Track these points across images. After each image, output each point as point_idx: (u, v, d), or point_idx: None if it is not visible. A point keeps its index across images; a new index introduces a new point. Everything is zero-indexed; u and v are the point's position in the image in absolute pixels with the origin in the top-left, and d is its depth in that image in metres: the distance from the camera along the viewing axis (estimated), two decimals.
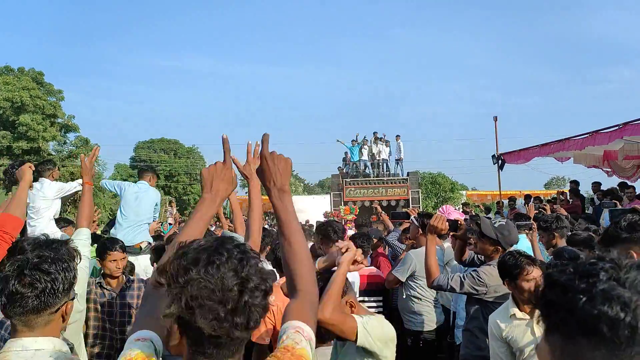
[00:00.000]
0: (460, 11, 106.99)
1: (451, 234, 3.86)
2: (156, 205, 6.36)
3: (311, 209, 23.53)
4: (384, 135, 24.01)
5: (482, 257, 3.80)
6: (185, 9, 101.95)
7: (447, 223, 3.69)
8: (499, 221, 3.61)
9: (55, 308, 1.74)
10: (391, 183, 23.47)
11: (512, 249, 3.92)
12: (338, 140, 23.79)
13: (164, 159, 50.88)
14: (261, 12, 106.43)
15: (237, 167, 2.46)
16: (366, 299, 4.64)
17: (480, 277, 3.43)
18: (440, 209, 4.84)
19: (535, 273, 2.99)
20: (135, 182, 6.48)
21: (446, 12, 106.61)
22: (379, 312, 4.73)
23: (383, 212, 7.78)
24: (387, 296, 4.93)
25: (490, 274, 3.41)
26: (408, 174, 23.95)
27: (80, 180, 6.17)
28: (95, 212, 6.68)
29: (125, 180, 9.81)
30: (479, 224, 3.62)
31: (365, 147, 23.56)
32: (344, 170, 24.30)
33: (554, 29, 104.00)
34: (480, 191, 32.56)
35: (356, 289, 4.52)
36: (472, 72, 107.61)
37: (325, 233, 4.31)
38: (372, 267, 5.16)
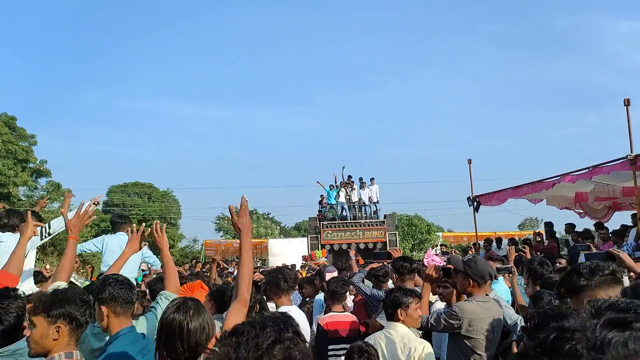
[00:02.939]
0: (432, 56, 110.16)
1: (443, 279, 4.02)
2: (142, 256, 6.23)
3: (287, 252, 23.42)
4: (360, 179, 24.15)
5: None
6: (161, 52, 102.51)
7: (441, 272, 3.90)
8: (468, 256, 3.87)
9: None
10: (368, 226, 23.44)
11: (492, 293, 3.95)
12: (318, 183, 23.81)
13: (138, 202, 49.96)
14: (237, 57, 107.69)
15: (232, 220, 2.63)
16: (337, 347, 4.50)
17: (453, 311, 3.55)
18: (425, 255, 4.82)
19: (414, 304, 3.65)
20: (108, 228, 6.31)
21: (417, 59, 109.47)
22: None
23: (352, 258, 7.49)
24: None
25: (463, 307, 3.54)
26: (385, 216, 23.98)
27: (55, 224, 5.74)
28: (76, 263, 6.45)
29: (97, 225, 9.39)
30: (449, 267, 3.89)
31: (343, 189, 23.65)
32: (322, 213, 24.25)
33: (524, 73, 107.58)
34: (456, 232, 32.51)
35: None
36: (445, 115, 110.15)
37: (276, 282, 4.20)
38: (347, 313, 5.04)
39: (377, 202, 23.83)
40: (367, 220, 23.59)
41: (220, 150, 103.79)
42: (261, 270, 8.04)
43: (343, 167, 24.00)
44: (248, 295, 2.51)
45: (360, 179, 24.17)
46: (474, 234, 15.20)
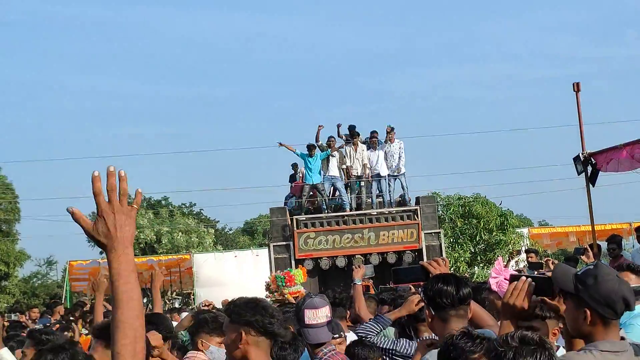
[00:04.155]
0: None
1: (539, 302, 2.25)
2: None
3: (231, 277, 16.27)
4: (371, 134, 14.24)
5: None
6: None
7: (531, 296, 2.21)
8: (587, 266, 2.40)
9: None
10: (386, 221, 13.98)
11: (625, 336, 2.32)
12: (281, 144, 14.27)
13: None
14: None
15: (82, 227, 1.38)
16: None
17: None
18: (492, 269, 3.04)
19: None
20: None
21: None
22: None
23: (357, 282, 4.65)
24: None
25: None
26: (418, 200, 14.49)
27: None
28: None
29: None
30: (547, 276, 2.41)
31: (336, 154, 13.87)
32: (295, 201, 14.68)
33: None
34: (554, 227, 23.13)
35: None
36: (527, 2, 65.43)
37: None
38: None
39: (404, 174, 14.33)
40: (385, 210, 14.41)
41: (94, 81, 55.98)
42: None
43: (339, 126, 14.93)
44: (139, 348, 1.33)
45: (373, 133, 14.44)
46: (589, 227, 10.64)
